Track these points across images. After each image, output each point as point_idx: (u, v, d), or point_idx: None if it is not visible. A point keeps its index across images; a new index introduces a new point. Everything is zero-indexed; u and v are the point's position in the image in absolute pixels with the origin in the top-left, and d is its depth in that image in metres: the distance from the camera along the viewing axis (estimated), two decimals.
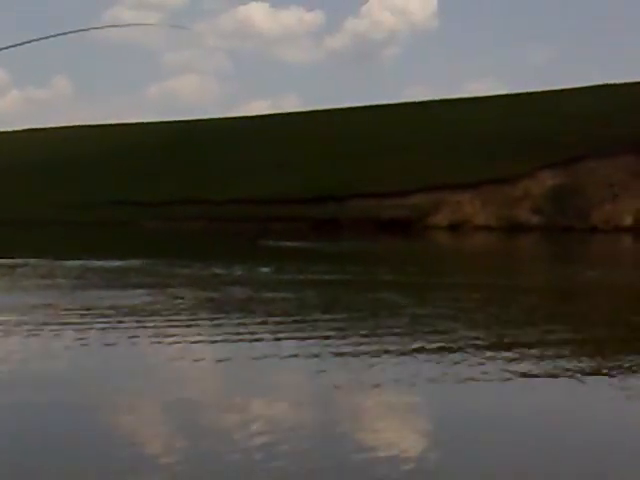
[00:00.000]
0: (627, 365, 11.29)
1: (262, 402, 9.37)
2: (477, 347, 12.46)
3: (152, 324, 14.46)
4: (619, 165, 72.26)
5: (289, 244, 44.25)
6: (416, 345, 12.58)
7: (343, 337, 13.32)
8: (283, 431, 8.01)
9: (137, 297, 18.29)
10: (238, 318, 15.49)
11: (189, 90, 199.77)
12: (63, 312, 15.84)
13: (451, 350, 12.19)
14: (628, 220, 70.13)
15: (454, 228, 71.04)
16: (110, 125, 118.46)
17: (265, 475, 6.71)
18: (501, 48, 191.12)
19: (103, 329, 13.82)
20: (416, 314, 16.30)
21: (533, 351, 12.23)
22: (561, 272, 28.65)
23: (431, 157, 78.75)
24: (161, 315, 15.66)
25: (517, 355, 11.83)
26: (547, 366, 11.05)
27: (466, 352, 12.02)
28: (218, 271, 25.90)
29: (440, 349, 12.30)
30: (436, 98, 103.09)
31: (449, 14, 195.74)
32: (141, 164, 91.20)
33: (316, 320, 15.22)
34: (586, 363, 11.41)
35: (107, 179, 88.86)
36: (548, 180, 74.54)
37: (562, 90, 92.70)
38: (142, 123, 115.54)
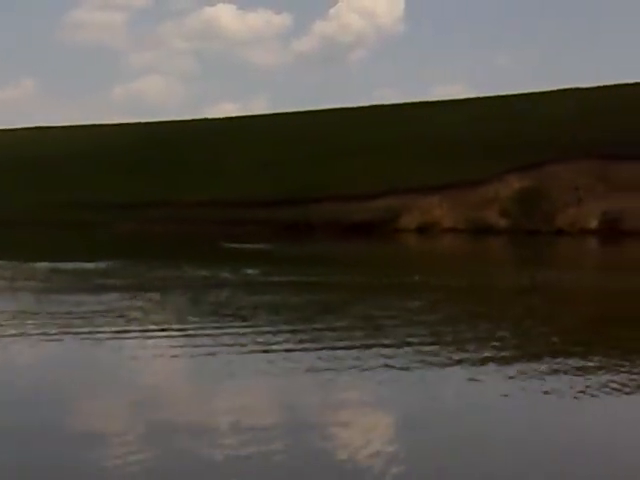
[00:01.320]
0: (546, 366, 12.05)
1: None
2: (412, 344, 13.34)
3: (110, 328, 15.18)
4: (584, 169, 73.36)
5: (249, 246, 44.45)
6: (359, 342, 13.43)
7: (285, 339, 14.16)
8: None
9: (104, 303, 18.59)
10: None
11: (154, 91, 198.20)
12: (25, 317, 16.36)
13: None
14: (593, 223, 71.21)
15: (423, 231, 71.79)
16: (80, 126, 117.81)
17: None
18: (469, 52, 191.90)
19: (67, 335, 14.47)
20: (366, 314, 17.19)
21: (470, 346, 13.12)
22: (517, 274, 29.51)
23: (400, 160, 79.55)
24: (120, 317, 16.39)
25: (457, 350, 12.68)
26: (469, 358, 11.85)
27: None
28: (206, 273, 26.59)
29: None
30: (405, 101, 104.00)
31: (416, 18, 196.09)
32: (112, 165, 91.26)
33: (273, 322, 16.07)
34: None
35: (77, 180, 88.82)
36: (515, 183, 75.56)
37: (529, 94, 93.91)
38: (113, 124, 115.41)
